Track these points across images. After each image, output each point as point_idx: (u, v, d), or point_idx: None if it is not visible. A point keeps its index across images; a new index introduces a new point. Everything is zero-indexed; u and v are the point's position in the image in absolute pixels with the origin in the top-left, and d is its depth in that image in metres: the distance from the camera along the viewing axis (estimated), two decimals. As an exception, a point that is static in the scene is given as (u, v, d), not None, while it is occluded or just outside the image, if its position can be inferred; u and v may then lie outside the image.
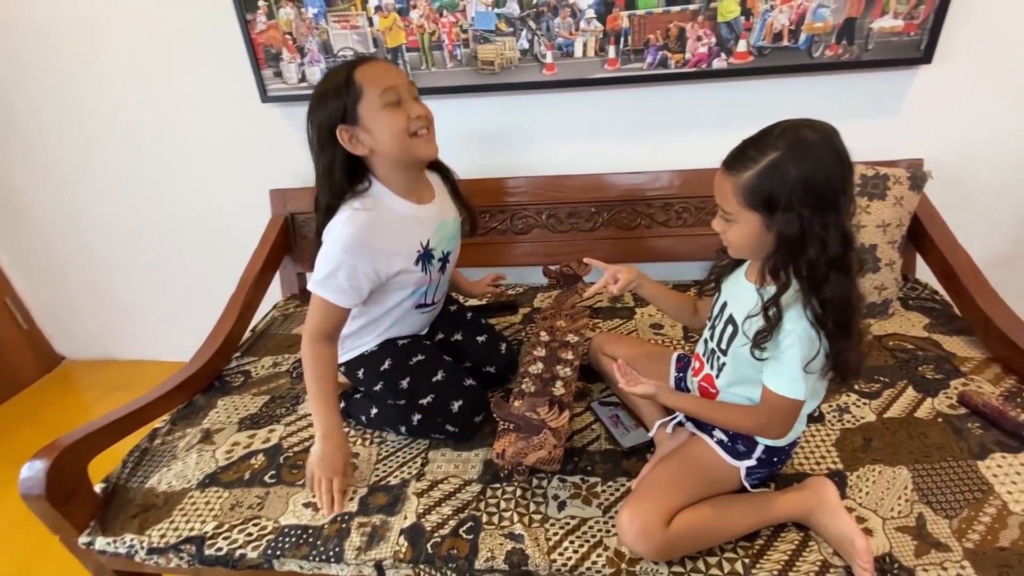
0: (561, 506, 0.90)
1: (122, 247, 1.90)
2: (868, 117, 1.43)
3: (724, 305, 0.87)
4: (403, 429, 1.07)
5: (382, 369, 1.06)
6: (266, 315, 1.59)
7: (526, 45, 1.40)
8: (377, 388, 1.08)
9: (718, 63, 1.37)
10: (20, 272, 2.04)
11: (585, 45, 1.39)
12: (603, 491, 0.93)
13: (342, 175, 0.94)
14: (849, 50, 1.32)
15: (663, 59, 1.38)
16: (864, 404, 1.07)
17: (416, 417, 1.04)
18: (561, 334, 1.21)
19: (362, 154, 0.94)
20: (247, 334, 1.47)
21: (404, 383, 1.04)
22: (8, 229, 1.93)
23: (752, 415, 0.82)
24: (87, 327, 2.14)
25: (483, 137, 1.57)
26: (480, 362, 1.19)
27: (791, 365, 0.74)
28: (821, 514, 0.81)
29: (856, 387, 1.11)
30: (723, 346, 0.85)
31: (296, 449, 1.07)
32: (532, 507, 0.90)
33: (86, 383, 2.12)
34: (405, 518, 0.90)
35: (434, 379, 1.05)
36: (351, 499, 0.94)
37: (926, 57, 1.31)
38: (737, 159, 0.73)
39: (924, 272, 1.44)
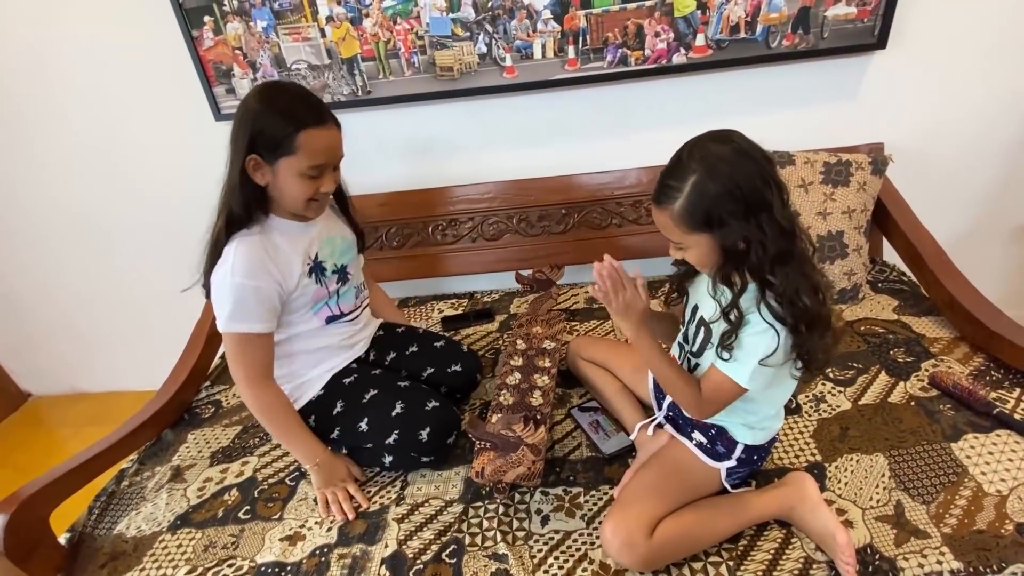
0: (544, 520, 0.89)
1: (83, 276, 1.83)
2: (827, 104, 1.44)
3: (696, 308, 0.86)
4: (377, 468, 1.04)
5: (335, 413, 1.02)
6: (236, 339, 1.54)
7: (484, 49, 1.38)
8: (335, 435, 1.03)
9: (678, 58, 1.36)
10: (-25, 309, 1.95)
11: (544, 46, 1.37)
12: (586, 501, 0.92)
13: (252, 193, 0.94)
14: (805, 39, 1.33)
15: (623, 57, 1.37)
16: (839, 392, 1.08)
17: (388, 459, 1.01)
18: (538, 341, 1.20)
19: (258, 182, 0.93)
20: (216, 361, 1.43)
21: (363, 425, 1.00)
22: (-42, 265, 1.84)
23: (695, 389, 0.81)
24: (52, 361, 2.06)
25: (447, 144, 1.55)
26: (443, 364, 1.14)
27: (749, 354, 0.74)
28: (803, 510, 0.81)
29: (831, 375, 1.12)
30: (695, 349, 0.84)
31: (271, 481, 1.04)
32: (515, 524, 0.89)
33: (56, 420, 2.04)
34: (386, 546, 0.87)
35: (394, 413, 0.99)
36: (330, 529, 0.92)
37: (880, 43, 1.33)
38: (663, 193, 0.73)
39: (891, 254, 1.46)
